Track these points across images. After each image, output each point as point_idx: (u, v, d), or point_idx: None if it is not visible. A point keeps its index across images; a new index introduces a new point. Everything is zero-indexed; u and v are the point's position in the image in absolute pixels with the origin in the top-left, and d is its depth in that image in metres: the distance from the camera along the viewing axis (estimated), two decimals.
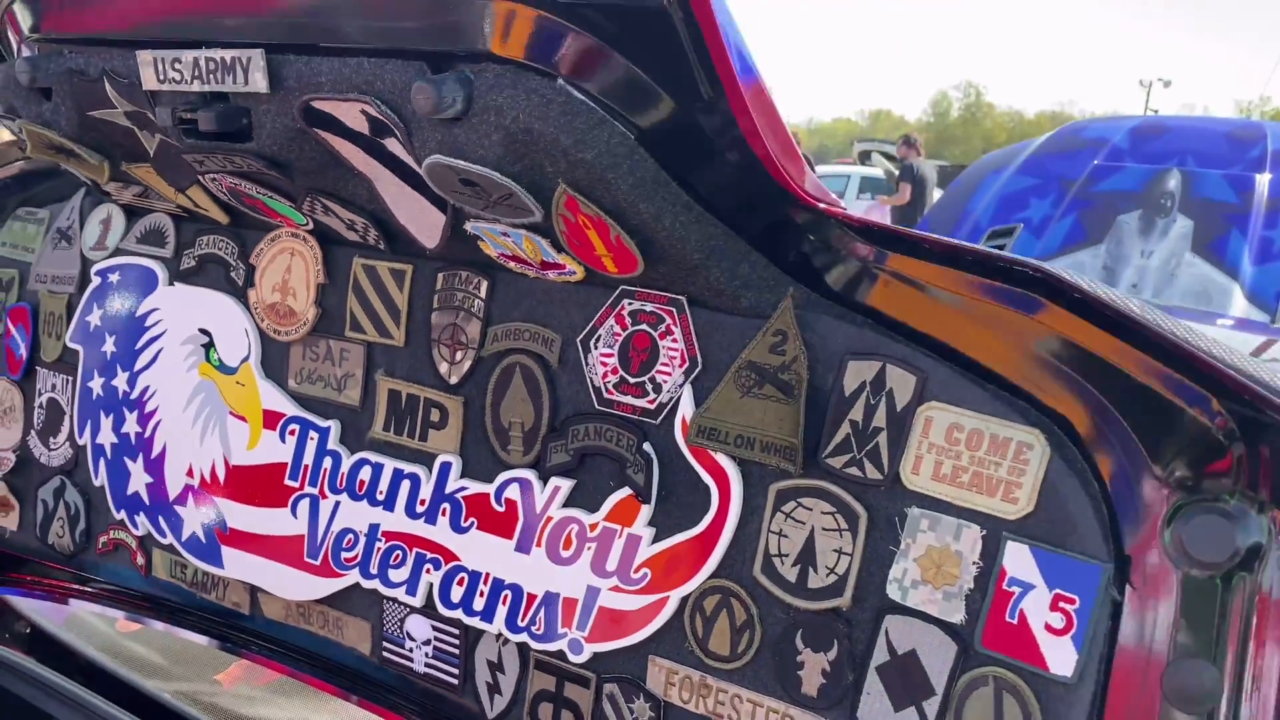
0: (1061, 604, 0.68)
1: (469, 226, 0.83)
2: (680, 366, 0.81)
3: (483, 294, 0.89)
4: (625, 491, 0.83)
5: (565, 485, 0.85)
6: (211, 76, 0.82)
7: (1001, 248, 3.96)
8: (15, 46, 0.98)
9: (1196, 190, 3.87)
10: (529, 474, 0.87)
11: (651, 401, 0.82)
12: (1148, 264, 3.83)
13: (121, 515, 1.13)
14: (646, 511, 0.82)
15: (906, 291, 0.73)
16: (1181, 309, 2.42)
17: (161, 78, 0.85)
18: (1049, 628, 0.68)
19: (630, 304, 0.83)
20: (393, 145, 0.78)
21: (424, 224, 0.85)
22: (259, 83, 0.80)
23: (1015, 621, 0.69)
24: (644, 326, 0.82)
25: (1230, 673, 0.66)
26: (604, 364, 0.84)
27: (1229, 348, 0.70)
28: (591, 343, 0.84)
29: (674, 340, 0.81)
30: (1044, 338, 0.69)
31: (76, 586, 1.23)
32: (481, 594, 0.90)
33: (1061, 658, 0.68)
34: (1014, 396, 0.71)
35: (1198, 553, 0.66)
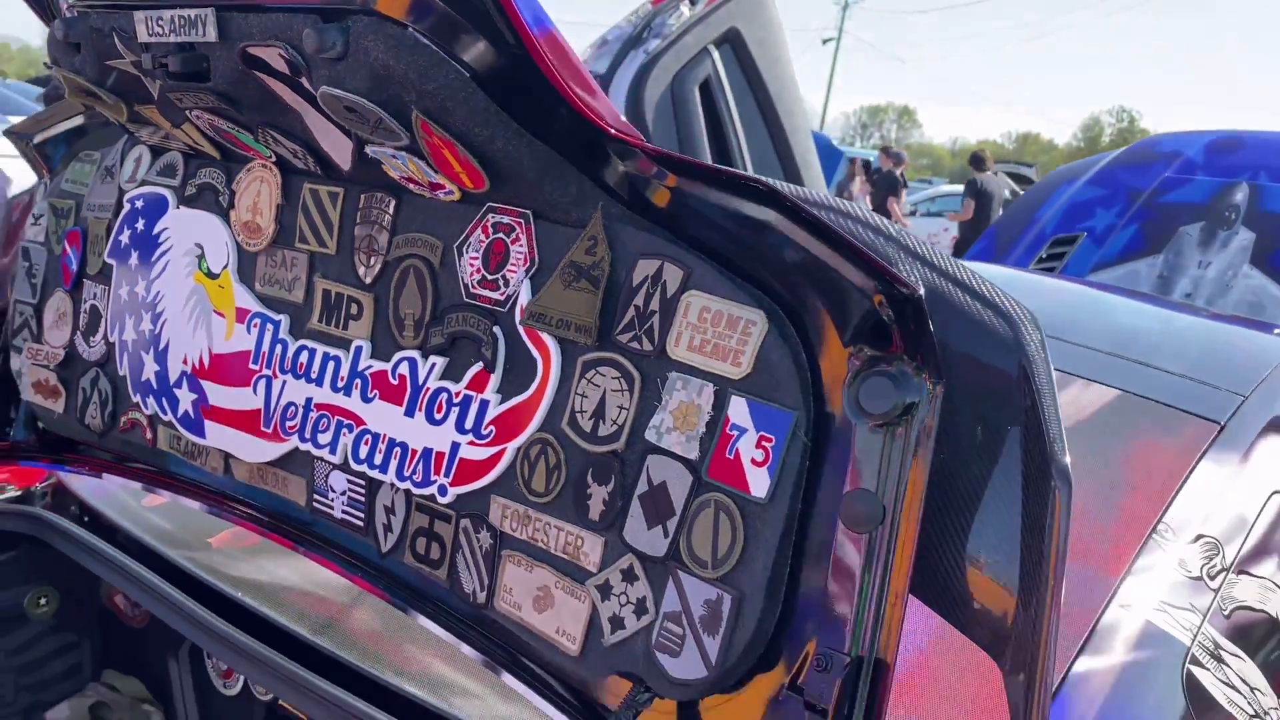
0: (763, 443, 0.86)
1: (369, 151, 1.05)
2: (524, 266, 1.02)
3: (391, 210, 1.11)
4: (479, 365, 1.04)
5: (440, 362, 1.07)
6: (180, 30, 1.06)
7: (1062, 256, 4.04)
8: (62, 11, 1.25)
9: (1263, 203, 3.87)
10: (415, 354, 1.09)
11: (502, 294, 1.03)
12: (1204, 274, 3.85)
13: (137, 398, 1.39)
14: (494, 380, 1.03)
15: (681, 204, 0.93)
16: (1237, 318, 2.49)
17: (149, 33, 1.10)
18: (753, 461, 0.87)
19: (492, 217, 1.04)
20: (305, 81, 1.01)
21: (338, 149, 1.08)
22: (211, 34, 1.04)
23: (731, 457, 0.88)
24: (500, 235, 1.03)
25: (890, 501, 0.83)
26: (471, 265, 1.05)
27: (895, 236, 0.87)
28: (464, 249, 1.06)
29: (520, 245, 1.02)
30: (768, 239, 0.88)
31: (106, 461, 1.51)
32: (380, 451, 1.12)
33: (759, 483, 0.86)
34: (749, 284, 0.90)
35: (869, 407, 0.84)
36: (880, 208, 9.11)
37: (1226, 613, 1.32)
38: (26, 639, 1.70)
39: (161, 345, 1.35)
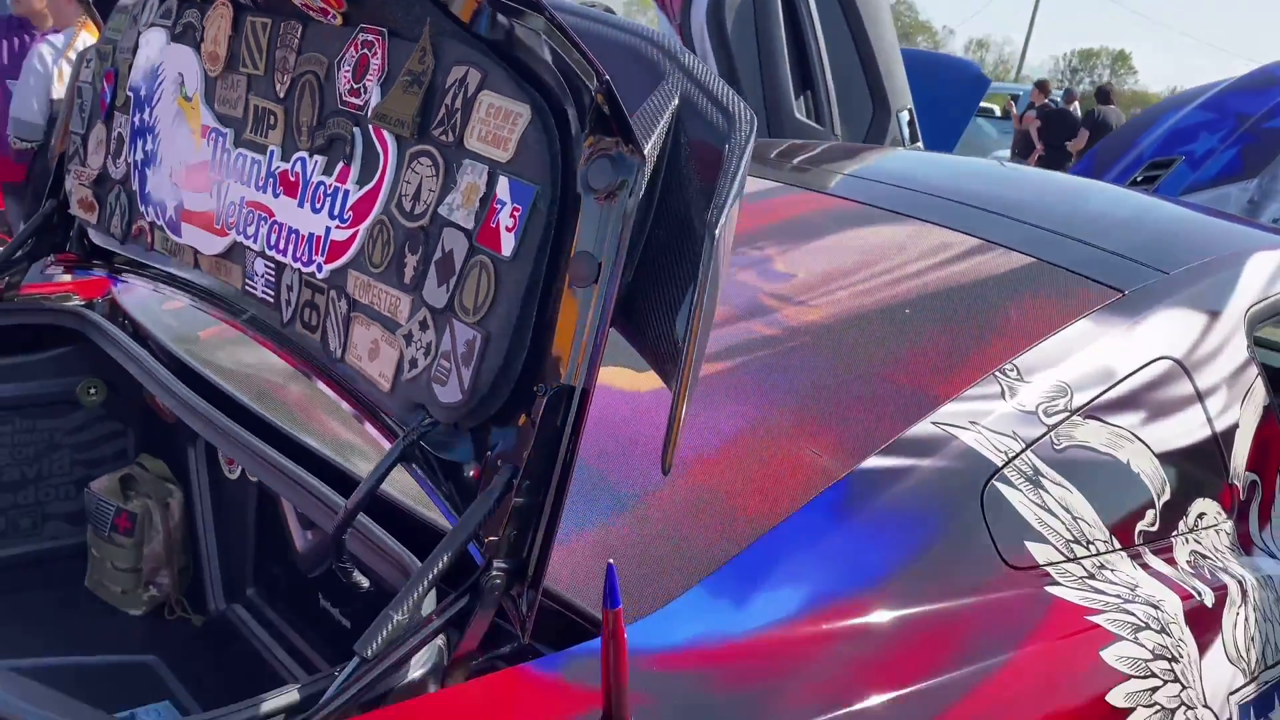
0: (514, 213, 1.05)
1: None
2: (378, 75, 1.22)
3: (298, 35, 1.33)
4: (343, 161, 1.25)
5: (320, 160, 1.29)
6: None
7: (1155, 179, 3.97)
8: None
9: None
10: (305, 154, 1.31)
11: (362, 100, 1.24)
12: None
13: (142, 208, 1.67)
14: (353, 172, 1.24)
15: (486, 18, 1.11)
16: (1239, 219, 2.49)
17: None
18: (506, 228, 1.05)
19: (361, 35, 1.25)
20: None
21: None
22: None
23: (494, 226, 1.07)
24: (365, 50, 1.24)
25: (606, 260, 1.01)
26: (344, 77, 1.26)
27: (645, 37, 1.03)
28: (341, 63, 1.27)
29: (378, 58, 1.22)
30: (537, 43, 1.05)
31: (127, 267, 1.80)
32: (283, 238, 1.35)
33: (508, 245, 1.05)
34: (526, 84, 1.07)
35: (594, 184, 1.01)
36: (1054, 143, 9.15)
37: (1059, 447, 1.42)
38: (80, 422, 2.04)
39: (157, 161, 1.62)
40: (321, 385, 1.34)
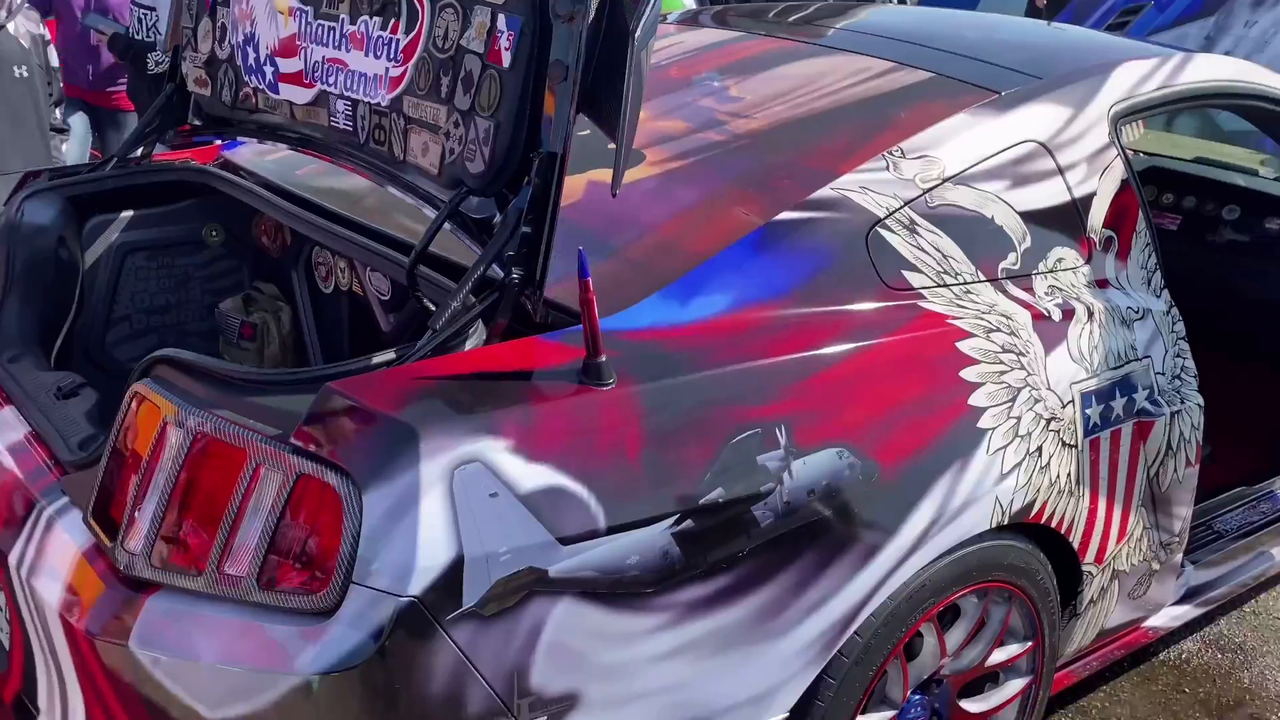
0: (510, 38, 1.57)
1: None
2: None
3: None
4: (394, 17, 1.77)
5: (378, 19, 1.81)
6: None
7: (1126, 24, 4.35)
8: None
9: None
10: (367, 17, 1.84)
11: None
12: (1246, 34, 4.10)
13: (247, 78, 2.21)
14: (401, 25, 1.76)
15: None
16: (1138, 41, 2.91)
17: None
18: (505, 49, 1.57)
19: None
20: None
21: None
22: None
23: (498, 48, 1.59)
24: None
25: (571, 65, 1.52)
26: None
27: None
28: None
29: None
30: None
31: (237, 127, 2.35)
32: (356, 80, 1.88)
33: (507, 60, 1.57)
34: None
35: (560, 11, 1.52)
36: None
37: (932, 205, 1.93)
38: (207, 259, 2.63)
39: (255, 39, 2.15)
40: (391, 189, 1.88)
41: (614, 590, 1.46)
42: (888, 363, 1.75)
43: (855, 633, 1.72)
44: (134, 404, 1.55)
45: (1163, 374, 2.16)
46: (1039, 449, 1.89)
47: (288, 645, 1.35)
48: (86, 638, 1.46)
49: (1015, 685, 2.10)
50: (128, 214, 2.48)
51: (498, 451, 1.39)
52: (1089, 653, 2.40)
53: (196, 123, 2.46)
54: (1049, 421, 1.92)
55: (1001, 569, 1.91)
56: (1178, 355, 2.21)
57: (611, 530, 1.45)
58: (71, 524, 1.59)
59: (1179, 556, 2.38)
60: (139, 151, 2.49)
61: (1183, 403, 2.18)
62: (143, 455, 1.50)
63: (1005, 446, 1.84)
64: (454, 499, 1.35)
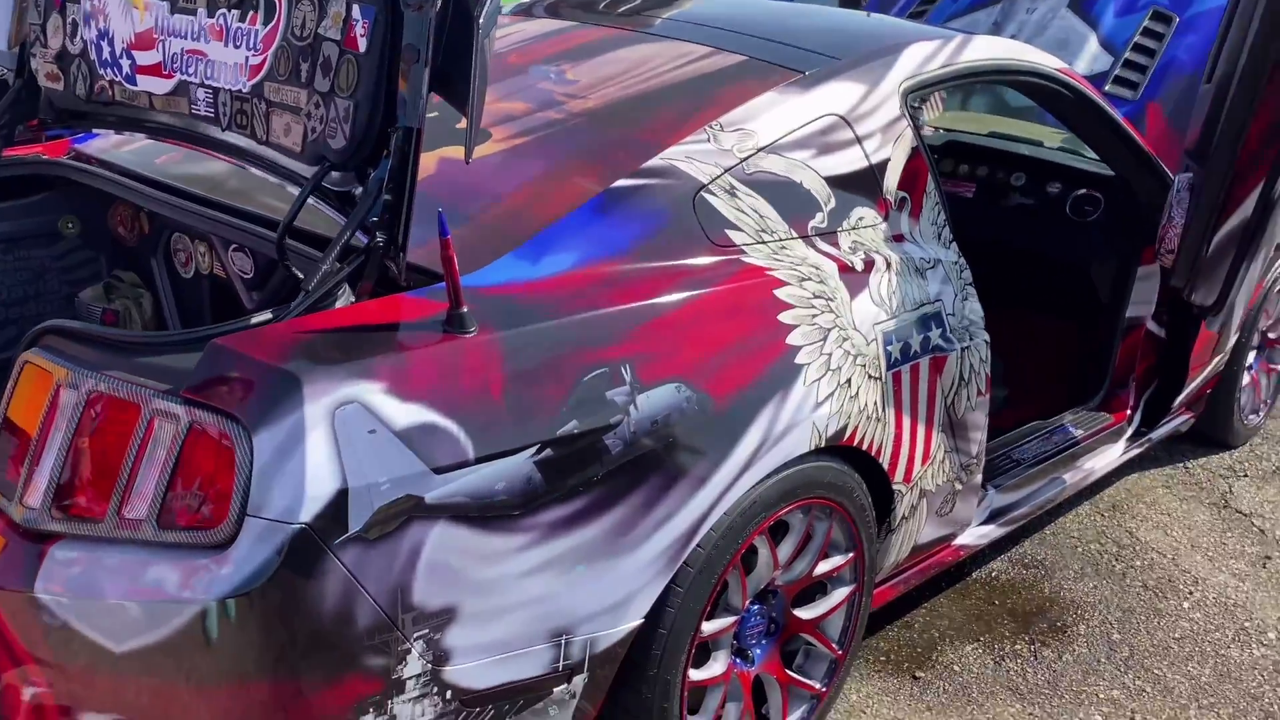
0: (365, 25, 1.74)
1: None
2: None
3: None
4: (252, 10, 1.92)
5: (236, 13, 1.95)
6: None
7: (924, 13, 4.73)
8: None
9: None
10: (225, 10, 1.97)
11: None
12: (1028, 19, 4.51)
13: (102, 71, 2.30)
14: (260, 16, 1.91)
15: None
16: (926, 28, 3.23)
17: None
18: (360, 35, 1.74)
19: None
20: None
21: None
22: None
23: (354, 35, 1.75)
24: None
25: (423, 48, 1.70)
26: None
27: None
28: None
29: None
30: None
31: (90, 120, 2.44)
32: (216, 69, 2.02)
33: (363, 45, 1.74)
34: None
35: (409, 1, 1.70)
36: None
37: (749, 172, 2.18)
38: (63, 250, 2.69)
39: (110, 34, 2.25)
40: (254, 171, 2.02)
41: (485, 514, 1.66)
42: (716, 309, 2.00)
43: (698, 545, 1.96)
44: (23, 372, 1.66)
45: (953, 315, 2.47)
46: (848, 381, 2.17)
47: (189, 576, 1.50)
48: None
49: (840, 593, 2.39)
50: None
51: (374, 393, 1.57)
52: (907, 568, 2.72)
53: (47, 118, 2.52)
54: (856, 357, 2.20)
55: (822, 487, 2.18)
56: (965, 299, 2.53)
57: (480, 460, 1.64)
58: None
59: (979, 477, 2.71)
60: None
61: (971, 339, 2.51)
62: (36, 419, 1.62)
63: (819, 379, 2.11)
64: (336, 436, 1.52)
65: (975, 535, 2.95)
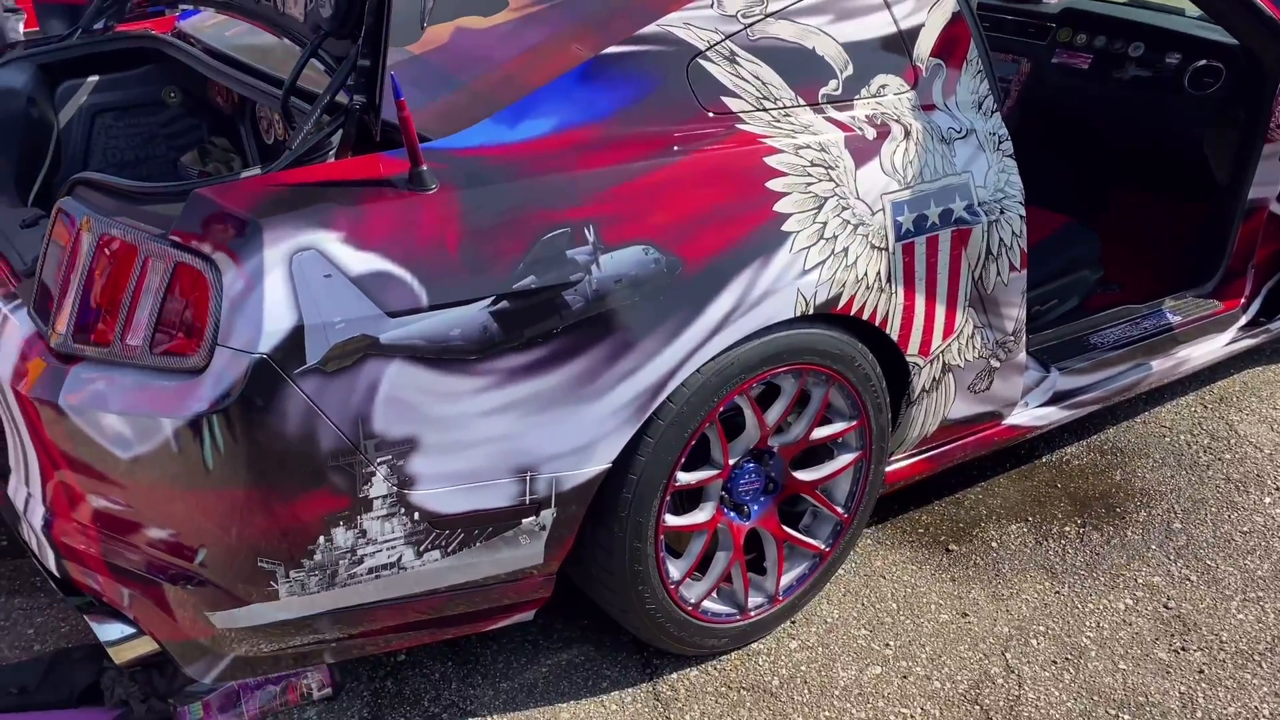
0: None
1: None
2: None
3: None
4: None
5: None
6: None
7: None
8: None
9: None
10: None
11: None
12: None
13: None
14: None
15: None
16: None
17: None
18: None
19: None
20: None
21: None
22: None
23: None
24: None
25: None
26: None
27: None
28: None
29: None
30: None
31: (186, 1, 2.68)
32: None
33: None
34: None
35: None
36: None
37: (753, 39, 2.20)
38: (168, 118, 2.98)
39: None
40: (287, 40, 2.20)
41: (441, 356, 1.82)
42: (695, 173, 2.06)
43: (669, 400, 2.07)
44: (57, 217, 1.93)
45: (983, 187, 2.43)
46: (845, 250, 2.19)
47: (174, 396, 1.74)
48: (31, 402, 1.86)
49: (845, 459, 2.45)
50: (94, 79, 2.84)
51: (330, 241, 1.74)
52: (941, 443, 2.73)
53: None
54: (856, 226, 2.21)
55: (813, 353, 2.23)
56: (1001, 171, 2.47)
57: (433, 307, 1.80)
58: (21, 318, 1.99)
59: (1020, 355, 2.68)
60: (101, 23, 2.84)
61: (1002, 213, 2.46)
62: (63, 258, 1.88)
63: (809, 247, 2.14)
64: (293, 279, 1.71)
65: (1033, 416, 2.92)
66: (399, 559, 1.94)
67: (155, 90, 2.94)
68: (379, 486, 1.86)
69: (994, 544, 2.87)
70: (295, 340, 1.71)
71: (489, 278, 1.84)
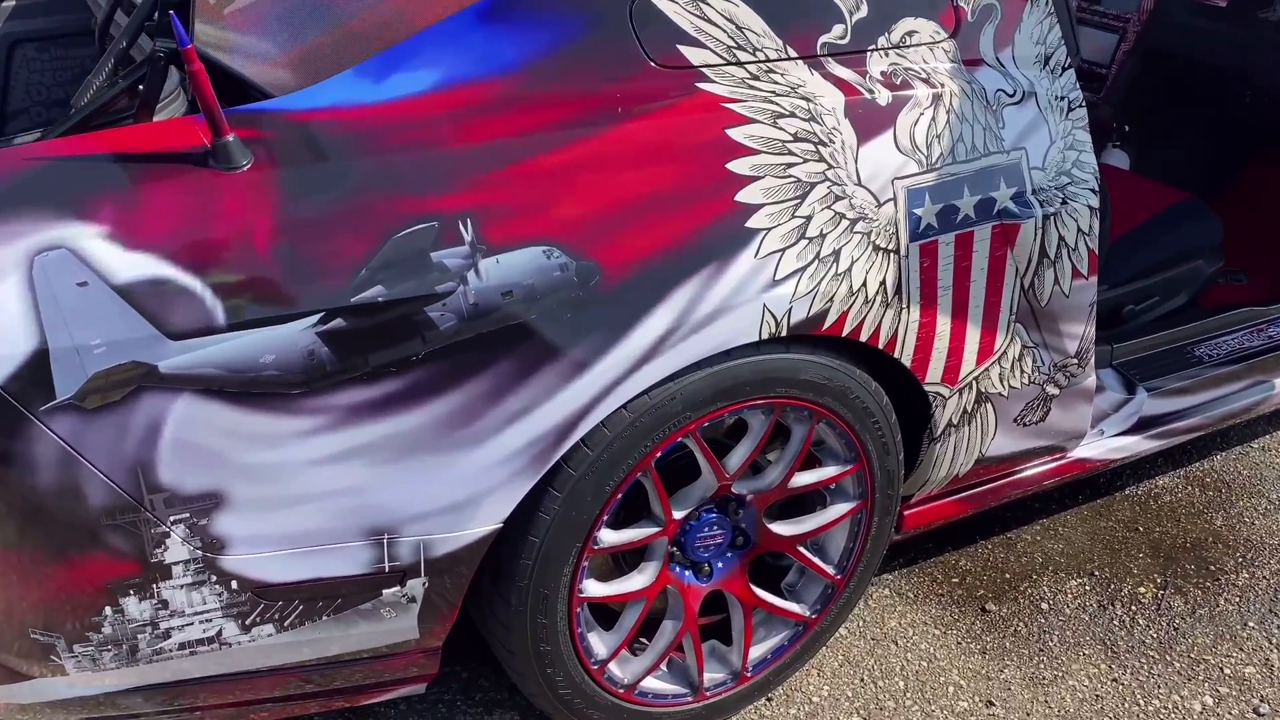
0: None
1: None
2: None
3: None
4: None
5: None
6: None
7: None
8: None
9: None
10: None
11: None
12: None
13: None
14: None
15: None
16: None
17: None
18: None
19: None
20: None
21: None
22: None
23: None
24: None
25: None
26: None
27: None
28: None
29: None
30: None
31: None
32: None
33: None
34: None
35: None
36: None
37: None
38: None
39: None
40: None
41: (249, 389, 1.38)
42: (627, 150, 1.55)
43: (583, 445, 1.59)
44: None
45: (1041, 169, 1.85)
46: (835, 253, 1.66)
47: None
48: None
49: (839, 509, 1.94)
50: (9, 3, 2.46)
51: (88, 238, 1.30)
52: (984, 482, 2.19)
53: None
54: (855, 222, 1.68)
55: (790, 385, 1.72)
56: (1070, 148, 1.88)
57: (234, 327, 1.36)
58: None
59: (1087, 379, 2.11)
60: None
61: (1066, 204, 1.88)
62: None
63: (783, 250, 1.62)
64: (34, 287, 1.28)
65: (1109, 448, 2.35)
66: (219, 633, 1.53)
67: (84, 18, 2.54)
68: (177, 550, 1.44)
69: (1044, 605, 2.33)
70: (38, 368, 1.29)
71: (316, 287, 1.39)
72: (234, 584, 1.49)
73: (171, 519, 1.42)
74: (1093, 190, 1.90)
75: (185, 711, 1.66)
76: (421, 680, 1.78)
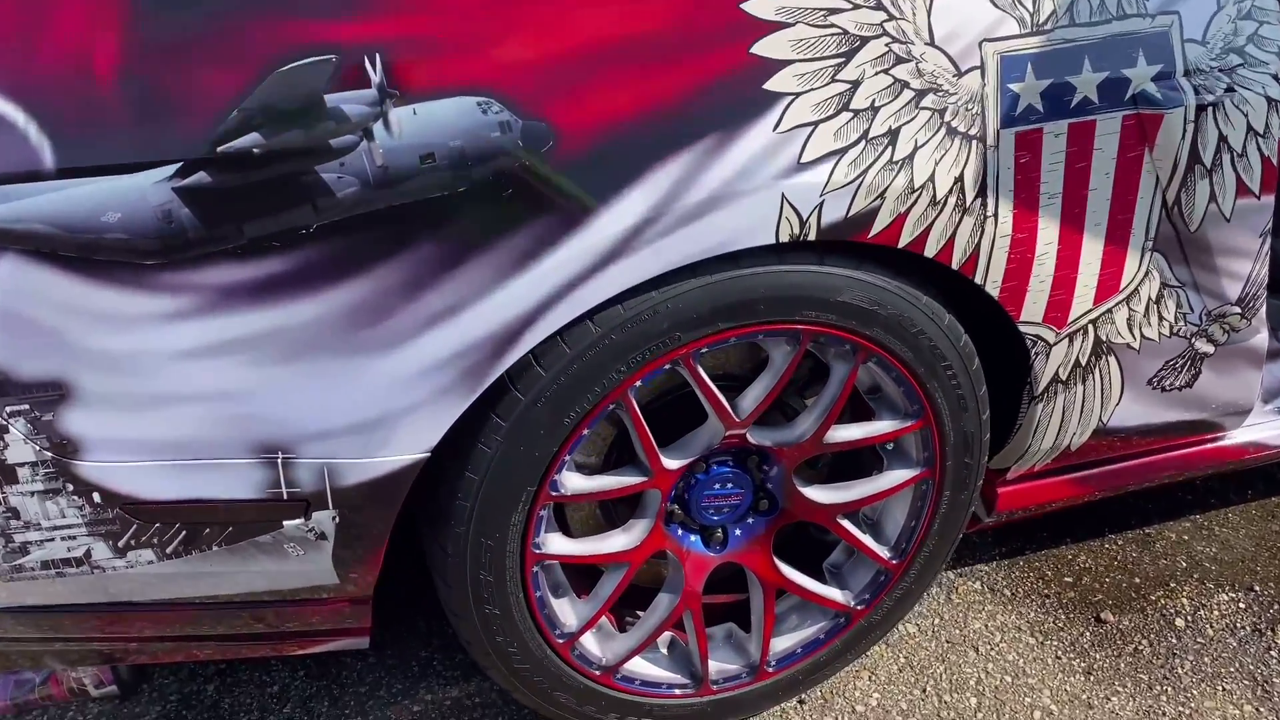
0: None
1: None
2: None
3: None
4: None
5: None
6: None
7: None
8: None
9: None
10: None
11: None
12: None
13: None
14: None
15: None
16: None
17: None
18: None
19: None
20: None
21: None
22: None
23: None
24: None
25: None
26: None
27: None
28: None
29: None
30: None
31: None
32: None
33: None
34: None
35: None
36: None
37: None
38: None
39: None
40: None
41: (88, 253, 1.10)
42: None
43: (535, 363, 1.25)
44: None
45: (1200, 43, 1.37)
46: (891, 134, 1.25)
47: None
48: None
49: (898, 476, 1.52)
50: None
51: None
52: (1106, 461, 1.73)
53: None
54: (922, 95, 1.26)
55: (823, 307, 1.32)
56: (1245, 16, 1.39)
57: (65, 173, 1.07)
58: None
59: (1254, 337, 1.61)
60: None
61: (1232, 91, 1.39)
62: None
63: (816, 124, 1.22)
64: None
65: None
66: (87, 553, 1.28)
67: None
68: (20, 449, 1.19)
69: (1179, 621, 1.84)
70: None
71: (173, 129, 1.09)
72: (96, 496, 1.23)
73: (7, 410, 1.16)
74: (1275, 77, 1.40)
75: (84, 641, 1.43)
76: (359, 634, 1.49)
